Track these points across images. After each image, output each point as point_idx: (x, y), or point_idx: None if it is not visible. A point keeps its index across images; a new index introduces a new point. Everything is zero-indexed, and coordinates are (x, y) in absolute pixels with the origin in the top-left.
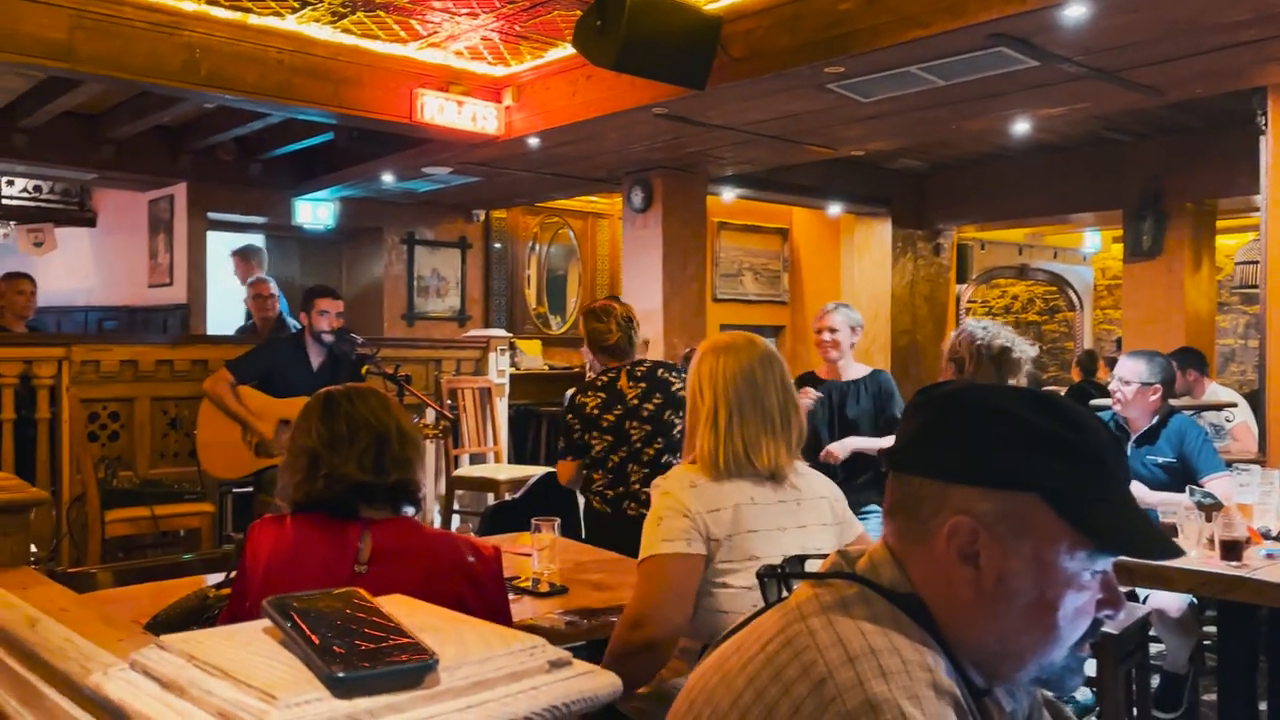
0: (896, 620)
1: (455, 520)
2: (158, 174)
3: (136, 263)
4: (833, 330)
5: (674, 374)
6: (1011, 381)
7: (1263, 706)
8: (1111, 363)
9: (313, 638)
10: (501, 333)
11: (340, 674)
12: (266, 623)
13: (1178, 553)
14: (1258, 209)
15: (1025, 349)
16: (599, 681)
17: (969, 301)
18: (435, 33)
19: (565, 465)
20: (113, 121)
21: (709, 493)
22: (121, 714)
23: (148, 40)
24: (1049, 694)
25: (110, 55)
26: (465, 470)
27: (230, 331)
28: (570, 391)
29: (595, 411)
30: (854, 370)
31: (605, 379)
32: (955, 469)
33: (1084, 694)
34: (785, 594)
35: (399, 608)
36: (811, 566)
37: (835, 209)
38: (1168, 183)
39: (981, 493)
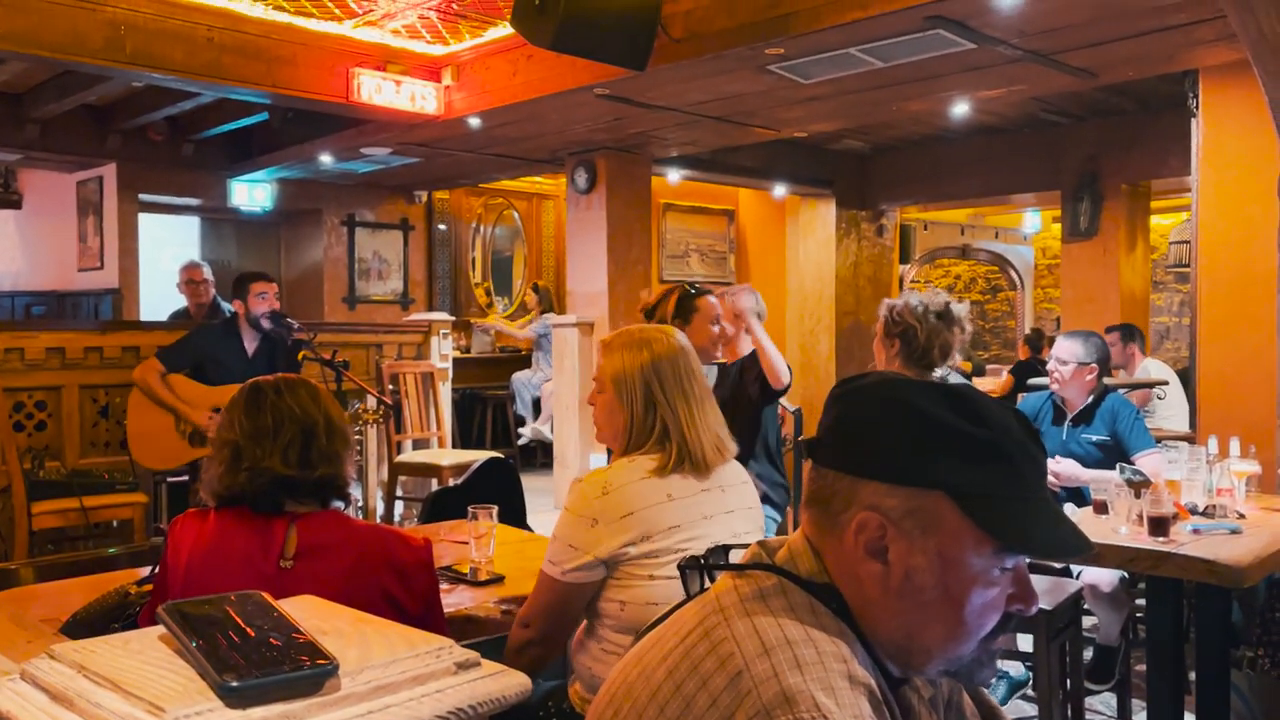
0: (813, 611)
1: (399, 506)
2: (85, 154)
3: (65, 246)
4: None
5: None
6: (958, 333)
7: (1192, 676)
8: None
9: (206, 644)
10: (444, 316)
11: (233, 683)
12: (163, 629)
13: (1087, 549)
14: (1189, 190)
15: (958, 305)
16: (507, 682)
17: (912, 282)
18: (371, 10)
19: None
20: (37, 100)
21: (622, 498)
22: None
23: (68, 16)
24: None
25: (28, 32)
26: (408, 456)
27: (165, 317)
28: None
29: None
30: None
31: None
32: (864, 464)
33: (1017, 670)
34: (707, 585)
35: (304, 610)
36: (736, 556)
37: (780, 190)
38: (1103, 164)
39: (889, 489)
